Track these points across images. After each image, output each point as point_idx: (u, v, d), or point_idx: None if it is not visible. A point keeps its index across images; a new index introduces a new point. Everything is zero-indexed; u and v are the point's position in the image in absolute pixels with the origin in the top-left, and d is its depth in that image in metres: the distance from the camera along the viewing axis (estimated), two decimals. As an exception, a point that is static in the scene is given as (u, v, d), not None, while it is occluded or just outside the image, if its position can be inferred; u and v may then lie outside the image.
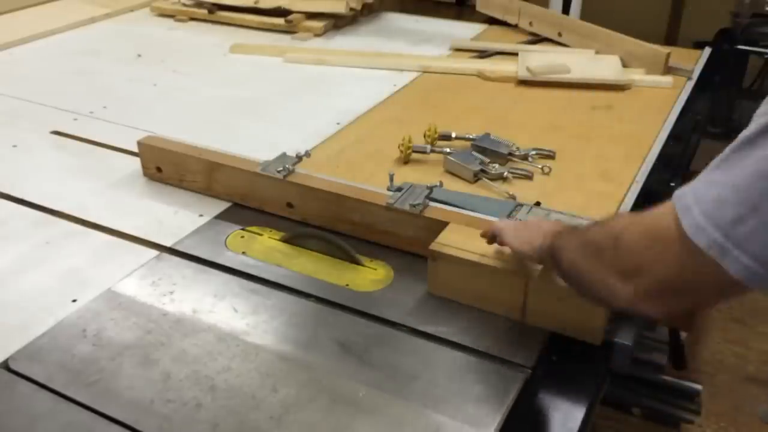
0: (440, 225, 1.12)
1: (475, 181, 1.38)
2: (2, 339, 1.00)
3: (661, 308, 0.68)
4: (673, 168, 1.52)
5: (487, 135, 1.50)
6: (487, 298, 1.04)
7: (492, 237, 1.02)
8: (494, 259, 1.02)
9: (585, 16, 2.55)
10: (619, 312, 0.89)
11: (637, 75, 1.89)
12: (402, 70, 2.00)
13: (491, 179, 1.38)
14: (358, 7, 2.42)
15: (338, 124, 1.66)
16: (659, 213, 0.66)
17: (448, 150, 1.45)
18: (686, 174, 1.55)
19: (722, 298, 0.66)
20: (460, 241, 1.07)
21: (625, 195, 1.33)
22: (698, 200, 0.61)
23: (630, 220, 0.72)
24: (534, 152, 1.47)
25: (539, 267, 0.98)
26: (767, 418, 0.76)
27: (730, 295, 0.64)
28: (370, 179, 1.34)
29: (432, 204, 1.18)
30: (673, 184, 1.45)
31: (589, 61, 1.99)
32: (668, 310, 0.68)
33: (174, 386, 0.92)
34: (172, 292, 1.10)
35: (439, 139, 1.50)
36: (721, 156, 0.62)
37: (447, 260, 1.05)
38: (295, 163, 1.30)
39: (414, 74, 1.98)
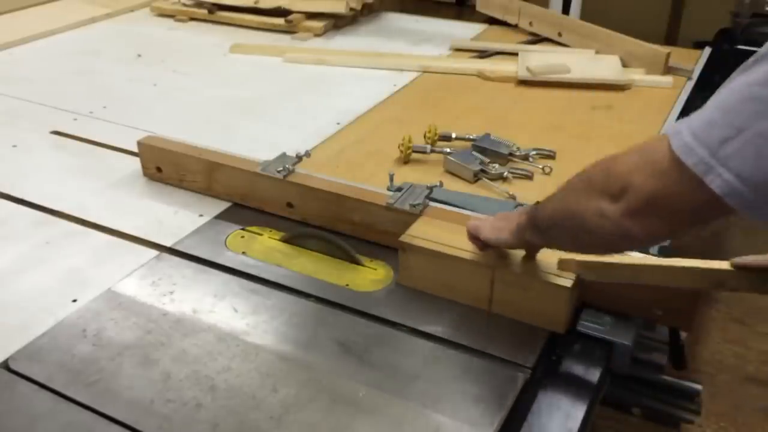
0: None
1: (475, 181, 1.38)
2: (2, 339, 1.00)
3: (646, 227, 0.69)
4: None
5: (487, 135, 1.50)
6: (455, 289, 1.06)
7: (473, 237, 1.02)
8: (461, 250, 1.04)
9: (585, 16, 2.55)
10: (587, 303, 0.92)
11: (637, 75, 1.89)
12: (402, 70, 2.00)
13: (491, 179, 1.38)
14: (358, 7, 2.42)
15: (338, 124, 1.66)
16: (654, 140, 0.68)
17: (448, 150, 1.45)
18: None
19: (704, 220, 0.68)
20: (430, 232, 1.09)
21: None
22: (689, 124, 0.64)
23: (624, 150, 0.73)
24: (534, 152, 1.47)
25: (505, 257, 1.01)
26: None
27: (712, 215, 0.66)
28: (370, 179, 1.34)
29: (432, 204, 1.18)
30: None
31: (589, 61, 1.99)
32: (652, 230, 0.69)
33: (174, 386, 0.92)
34: (172, 292, 1.10)
35: (440, 140, 1.50)
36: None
37: (416, 251, 1.07)
38: (295, 163, 1.30)
39: (414, 74, 1.98)
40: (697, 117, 0.64)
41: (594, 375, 0.97)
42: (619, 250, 0.78)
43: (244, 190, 1.31)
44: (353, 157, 1.50)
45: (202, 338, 1.00)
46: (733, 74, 0.63)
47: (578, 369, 0.98)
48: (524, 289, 1.00)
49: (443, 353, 0.98)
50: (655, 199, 0.67)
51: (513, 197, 1.31)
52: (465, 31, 2.38)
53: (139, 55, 2.17)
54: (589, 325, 1.02)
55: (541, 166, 1.43)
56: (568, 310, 0.99)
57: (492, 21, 2.45)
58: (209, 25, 2.45)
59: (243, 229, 1.26)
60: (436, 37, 2.30)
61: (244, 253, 1.20)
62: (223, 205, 1.34)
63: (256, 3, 2.41)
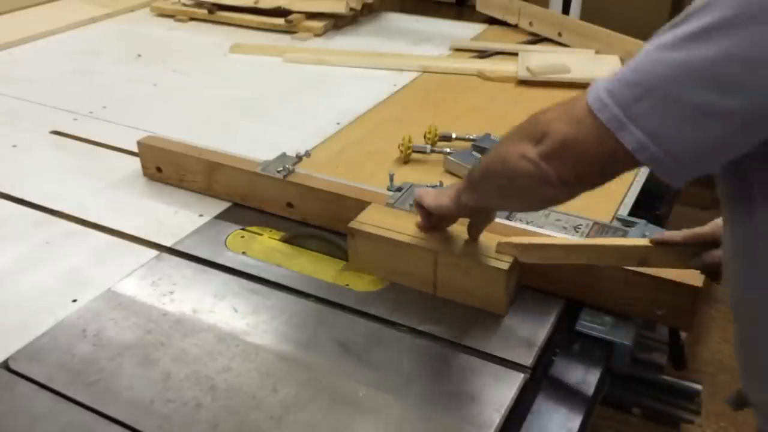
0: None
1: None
2: (2, 339, 1.00)
3: (557, 170, 0.72)
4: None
5: (488, 135, 1.50)
6: (401, 273, 1.09)
7: (418, 204, 1.06)
8: (405, 235, 1.08)
9: (585, 16, 2.55)
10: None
11: (637, 75, 1.88)
12: (402, 70, 2.00)
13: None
14: (358, 7, 2.42)
15: (338, 124, 1.66)
16: (578, 94, 0.71)
17: (448, 150, 1.45)
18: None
19: (616, 170, 0.71)
20: (378, 219, 1.12)
21: (626, 195, 1.33)
22: (606, 81, 0.67)
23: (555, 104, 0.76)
24: (534, 152, 1.47)
25: (447, 240, 1.05)
26: (733, 404, 0.80)
27: (623, 167, 0.70)
28: (370, 179, 1.34)
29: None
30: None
31: (589, 61, 1.99)
32: (562, 174, 0.72)
33: (174, 386, 0.92)
34: (172, 292, 1.10)
35: (440, 140, 1.50)
36: None
37: (363, 237, 1.10)
38: (295, 163, 1.30)
39: (414, 74, 1.98)
40: (614, 76, 0.67)
41: (594, 375, 0.97)
42: (539, 199, 0.80)
43: (244, 190, 1.31)
44: (353, 157, 1.50)
45: (202, 338, 1.00)
46: (653, 36, 0.66)
47: (578, 369, 0.98)
48: (465, 272, 1.03)
49: (443, 353, 0.98)
50: (567, 144, 0.71)
51: None
52: (465, 31, 2.38)
53: (139, 55, 2.17)
54: (589, 325, 1.03)
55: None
56: (506, 292, 1.02)
57: (492, 21, 2.45)
58: (209, 25, 2.45)
59: (243, 229, 1.26)
60: (436, 37, 2.30)
61: (244, 253, 1.19)
62: (223, 205, 1.34)
63: (256, 3, 2.41)
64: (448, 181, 1.35)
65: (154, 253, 1.20)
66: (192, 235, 1.25)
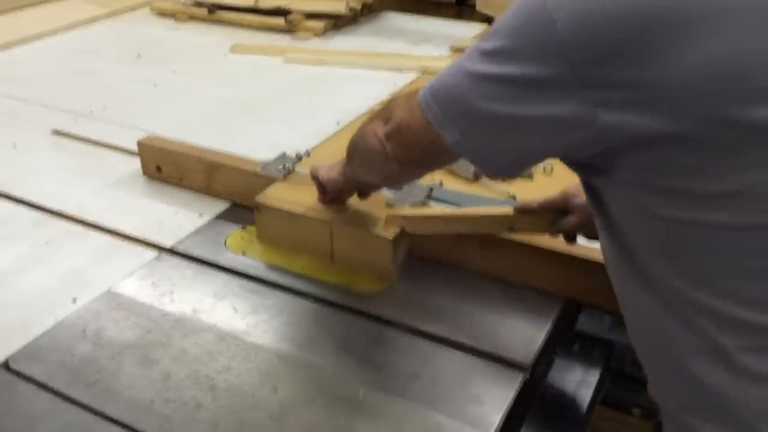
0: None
1: (476, 181, 1.38)
2: (2, 339, 1.00)
3: (397, 150, 0.81)
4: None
5: (487, 135, 1.49)
6: (303, 244, 1.17)
7: (314, 177, 1.13)
8: (304, 208, 1.15)
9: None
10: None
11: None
12: (402, 70, 2.00)
13: (492, 178, 1.38)
14: (358, 7, 2.42)
15: (338, 124, 1.66)
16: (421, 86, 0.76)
17: (448, 150, 1.45)
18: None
19: (443, 158, 0.82)
20: (283, 193, 1.20)
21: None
22: (433, 81, 0.72)
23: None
24: (534, 152, 1.47)
25: (341, 212, 1.13)
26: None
27: (450, 157, 0.79)
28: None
29: (432, 204, 1.18)
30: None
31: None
32: (398, 155, 0.81)
33: (174, 386, 0.92)
34: (172, 292, 1.10)
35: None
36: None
37: (267, 210, 1.18)
38: (295, 163, 1.30)
39: (414, 74, 1.98)
40: (440, 75, 0.72)
41: (594, 375, 0.97)
42: (387, 174, 0.88)
43: (244, 190, 1.31)
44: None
45: (202, 338, 1.00)
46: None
47: (578, 369, 0.98)
48: (357, 242, 1.11)
49: (443, 353, 0.98)
50: (401, 129, 0.79)
51: (513, 197, 1.31)
52: (465, 31, 2.38)
53: (139, 55, 2.17)
54: (589, 325, 1.02)
55: (541, 166, 1.43)
56: (393, 260, 1.09)
57: (492, 21, 2.45)
58: (209, 25, 2.45)
59: (243, 229, 1.26)
60: (436, 37, 2.29)
61: (244, 253, 1.19)
62: (223, 205, 1.34)
63: (256, 3, 2.41)
64: (449, 180, 1.35)
65: (154, 253, 1.20)
66: (192, 235, 1.25)
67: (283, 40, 2.29)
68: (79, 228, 1.29)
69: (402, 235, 1.08)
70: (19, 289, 1.12)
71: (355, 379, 0.93)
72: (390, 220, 1.10)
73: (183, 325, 1.03)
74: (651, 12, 0.53)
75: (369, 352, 0.98)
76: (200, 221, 1.28)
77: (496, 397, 0.90)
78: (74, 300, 1.08)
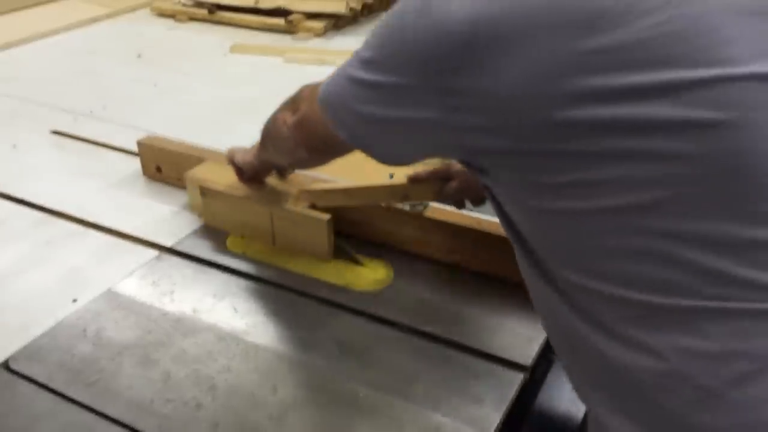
0: (441, 225, 1.13)
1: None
2: (2, 339, 1.00)
3: (302, 139, 0.89)
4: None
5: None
6: (246, 226, 1.21)
7: (230, 160, 1.19)
8: (247, 191, 1.20)
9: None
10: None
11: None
12: (402, 70, 2.00)
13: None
14: (358, 8, 2.42)
15: (338, 124, 1.65)
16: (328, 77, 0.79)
17: (447, 150, 1.45)
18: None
19: (341, 149, 0.87)
20: (222, 175, 1.24)
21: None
22: (329, 80, 0.77)
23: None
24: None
25: (280, 195, 1.18)
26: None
27: (348, 148, 0.84)
28: (370, 179, 1.34)
29: (432, 204, 1.18)
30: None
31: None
32: (305, 143, 0.89)
33: (174, 386, 0.92)
34: (172, 292, 1.10)
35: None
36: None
37: (212, 195, 1.22)
38: (295, 163, 1.30)
39: (414, 74, 1.98)
40: (332, 75, 0.76)
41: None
42: (297, 159, 0.96)
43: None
44: (353, 156, 1.49)
45: (202, 338, 1.00)
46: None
47: (578, 369, 0.98)
48: (294, 224, 1.15)
49: (443, 353, 0.98)
50: (305, 120, 0.87)
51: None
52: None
53: (139, 55, 2.17)
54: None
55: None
56: (328, 241, 1.15)
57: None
58: (209, 25, 2.45)
59: (243, 229, 1.26)
60: (436, 37, 2.29)
61: (244, 253, 1.20)
62: (223, 205, 1.33)
63: (256, 3, 2.41)
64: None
65: (154, 253, 1.20)
66: (192, 235, 1.25)
67: (283, 40, 2.29)
68: (79, 228, 1.29)
69: (334, 217, 1.14)
70: (19, 289, 1.12)
71: (355, 379, 0.93)
72: (301, 197, 1.17)
73: (183, 325, 1.03)
74: (479, 28, 0.58)
75: (369, 352, 0.98)
76: (200, 221, 1.28)
77: (496, 397, 0.90)
78: (74, 300, 1.08)
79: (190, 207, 1.31)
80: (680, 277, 0.57)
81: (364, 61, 0.69)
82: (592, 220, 0.60)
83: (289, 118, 0.90)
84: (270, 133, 1.00)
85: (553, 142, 0.58)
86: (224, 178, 1.23)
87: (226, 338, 1.00)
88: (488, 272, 1.11)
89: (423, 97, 0.63)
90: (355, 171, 1.41)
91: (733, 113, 0.53)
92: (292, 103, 0.92)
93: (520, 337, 1.00)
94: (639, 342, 0.60)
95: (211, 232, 1.25)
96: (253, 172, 1.18)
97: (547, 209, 0.62)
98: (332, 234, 1.16)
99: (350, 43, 2.28)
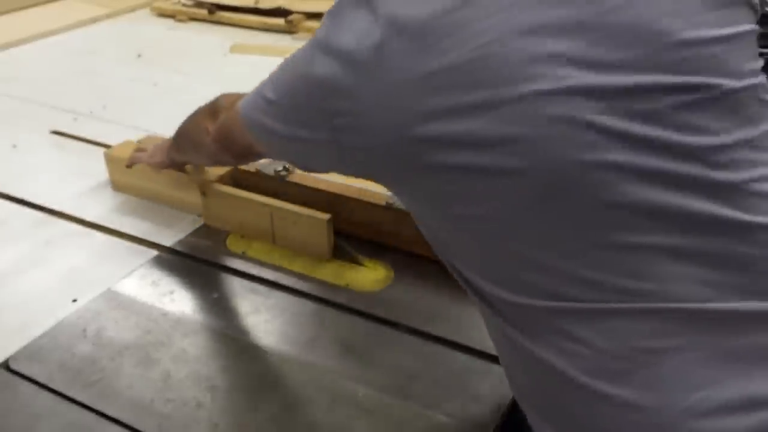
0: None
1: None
2: (2, 339, 1.00)
3: (228, 146, 0.93)
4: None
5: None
6: (246, 227, 1.23)
7: (135, 162, 1.28)
8: (249, 192, 1.23)
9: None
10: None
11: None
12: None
13: None
14: (358, 8, 2.42)
15: (338, 124, 1.65)
16: (249, 92, 0.83)
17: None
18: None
19: (258, 155, 0.94)
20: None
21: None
22: (248, 97, 0.80)
23: (238, 94, 0.91)
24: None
25: (279, 197, 1.21)
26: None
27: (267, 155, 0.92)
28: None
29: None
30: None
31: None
32: (227, 149, 0.94)
33: (174, 386, 0.92)
34: (172, 292, 1.10)
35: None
36: None
37: (216, 195, 1.24)
38: (295, 163, 1.29)
39: (414, 74, 1.97)
40: (253, 90, 0.80)
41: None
42: (220, 161, 1.06)
43: (244, 190, 1.32)
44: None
45: (202, 338, 1.00)
46: None
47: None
48: (294, 224, 1.16)
49: (443, 353, 0.98)
50: (224, 129, 0.92)
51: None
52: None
53: (139, 55, 2.17)
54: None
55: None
56: (329, 241, 1.16)
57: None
58: (209, 25, 2.45)
59: (243, 229, 1.26)
60: (436, 37, 2.29)
61: (244, 253, 1.20)
62: (223, 205, 1.33)
63: (256, 3, 2.41)
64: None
65: (154, 253, 1.20)
66: (192, 235, 1.25)
67: (283, 41, 2.29)
68: (79, 228, 1.29)
69: (333, 217, 1.16)
70: (19, 289, 1.12)
71: (355, 379, 0.93)
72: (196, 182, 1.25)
73: (183, 325, 1.03)
74: (336, 85, 0.64)
75: (369, 352, 0.98)
76: (200, 221, 1.28)
77: (496, 397, 0.90)
78: (74, 300, 1.08)
79: (112, 186, 1.40)
80: (549, 281, 0.60)
81: (272, 79, 0.76)
82: (476, 229, 0.63)
83: (210, 126, 0.96)
84: (189, 137, 1.06)
85: (419, 157, 0.61)
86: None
87: (226, 338, 1.00)
88: (488, 272, 1.11)
89: (317, 121, 0.67)
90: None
91: (540, 129, 0.56)
92: (211, 111, 0.99)
93: (520, 337, 1.00)
94: (530, 345, 0.63)
95: (211, 232, 1.26)
96: (162, 168, 1.24)
97: (447, 217, 0.65)
98: (332, 234, 1.16)
99: (350, 43, 2.28)
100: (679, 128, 0.57)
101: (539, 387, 0.66)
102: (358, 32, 0.62)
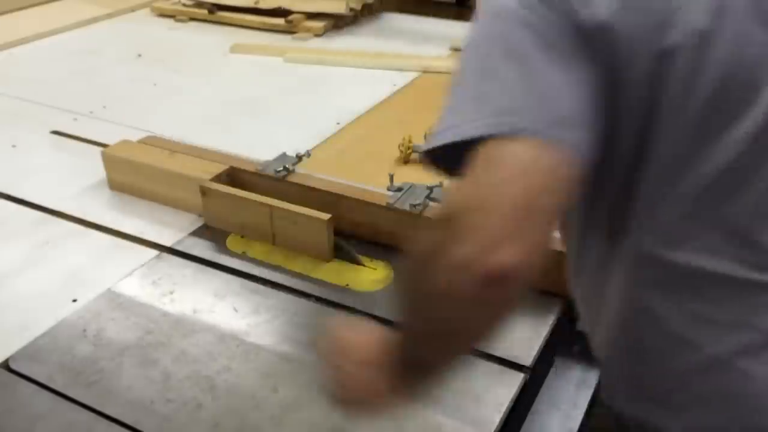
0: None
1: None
2: (2, 339, 1.00)
3: (522, 246, 0.52)
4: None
5: (487, 135, 1.49)
6: (246, 227, 1.22)
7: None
8: (246, 192, 1.23)
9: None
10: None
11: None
12: (402, 70, 2.00)
13: None
14: (358, 8, 2.42)
15: (338, 124, 1.66)
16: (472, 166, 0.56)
17: (447, 150, 1.45)
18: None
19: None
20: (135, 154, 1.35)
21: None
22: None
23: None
24: (534, 152, 1.47)
25: (279, 197, 1.21)
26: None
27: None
28: (370, 179, 1.34)
29: (432, 204, 1.18)
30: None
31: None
32: (529, 248, 0.53)
33: (174, 386, 0.92)
34: (172, 292, 1.10)
35: (439, 139, 1.50)
36: None
37: (214, 195, 1.24)
38: (295, 163, 1.30)
39: (414, 74, 1.98)
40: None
41: (594, 375, 0.97)
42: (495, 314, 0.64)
43: (244, 190, 1.32)
44: (353, 157, 1.50)
45: (202, 338, 1.00)
46: None
47: (578, 369, 0.98)
48: (295, 224, 1.16)
49: (443, 353, 0.98)
50: (526, 202, 0.53)
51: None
52: (465, 31, 2.37)
53: (139, 55, 2.17)
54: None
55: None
56: (329, 241, 1.16)
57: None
58: (209, 25, 2.45)
59: (243, 229, 1.26)
60: (436, 37, 2.29)
61: (244, 253, 1.19)
62: (223, 205, 1.33)
63: (256, 3, 2.41)
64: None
65: (154, 253, 1.20)
66: (192, 235, 1.25)
67: (283, 40, 2.29)
68: (79, 228, 1.29)
69: (333, 217, 1.16)
70: (19, 289, 1.12)
71: (355, 379, 0.93)
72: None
73: (183, 325, 1.03)
74: None
75: (369, 352, 0.98)
76: (200, 221, 1.28)
77: (496, 397, 0.90)
78: (74, 300, 1.08)
79: (109, 185, 1.39)
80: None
81: None
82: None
83: (466, 248, 0.53)
84: (430, 304, 0.60)
85: None
86: (148, 155, 1.33)
87: (226, 338, 1.00)
88: (488, 272, 1.11)
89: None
90: (356, 170, 1.41)
91: None
92: (440, 225, 0.57)
93: (520, 337, 1.00)
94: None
95: (211, 232, 1.26)
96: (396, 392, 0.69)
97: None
98: (332, 234, 1.16)
99: (350, 43, 2.28)
100: None
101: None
102: None
